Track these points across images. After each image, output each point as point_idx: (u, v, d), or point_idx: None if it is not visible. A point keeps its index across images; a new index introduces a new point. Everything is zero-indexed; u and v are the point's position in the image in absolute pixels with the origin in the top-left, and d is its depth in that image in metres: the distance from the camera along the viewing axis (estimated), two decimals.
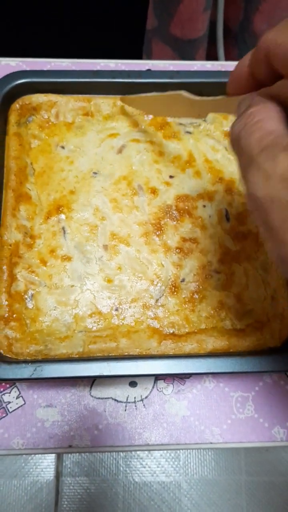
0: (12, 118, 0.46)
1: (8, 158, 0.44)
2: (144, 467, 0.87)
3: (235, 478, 0.87)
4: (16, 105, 0.46)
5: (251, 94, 0.26)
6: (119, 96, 0.47)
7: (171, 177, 0.46)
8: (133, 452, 0.88)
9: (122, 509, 0.84)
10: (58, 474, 0.86)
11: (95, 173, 0.45)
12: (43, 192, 0.44)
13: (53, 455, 0.86)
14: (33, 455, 0.88)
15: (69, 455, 0.87)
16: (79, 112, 0.47)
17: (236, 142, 0.23)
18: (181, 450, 0.89)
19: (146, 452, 0.88)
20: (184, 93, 0.39)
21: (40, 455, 0.88)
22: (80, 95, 0.47)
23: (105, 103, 0.47)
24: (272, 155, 0.19)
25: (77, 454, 0.87)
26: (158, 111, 0.46)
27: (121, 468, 0.86)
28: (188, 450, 0.89)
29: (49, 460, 0.86)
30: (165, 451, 0.90)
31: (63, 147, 0.46)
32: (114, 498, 0.85)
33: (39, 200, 0.44)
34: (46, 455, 0.87)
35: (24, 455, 0.86)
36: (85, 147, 0.46)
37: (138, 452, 0.88)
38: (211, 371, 0.38)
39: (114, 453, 0.88)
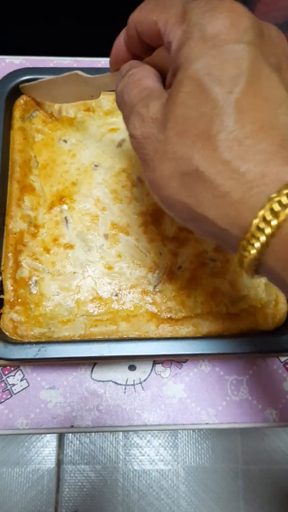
0: (17, 113, 0.48)
1: (13, 151, 0.46)
2: (143, 456, 0.89)
3: (231, 466, 0.89)
4: (20, 101, 0.48)
5: (131, 61, 0.29)
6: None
7: None
8: (132, 441, 0.90)
9: (122, 496, 0.86)
10: (59, 462, 0.88)
11: (96, 165, 0.47)
12: (46, 183, 0.46)
13: (55, 443, 0.88)
14: (35, 444, 0.90)
15: (70, 443, 0.89)
16: (81, 107, 0.49)
17: (120, 98, 0.27)
18: (179, 439, 0.91)
19: (145, 441, 0.90)
20: (79, 72, 0.39)
21: (41, 443, 0.90)
22: None
23: (106, 99, 0.49)
24: (146, 103, 0.24)
25: (78, 442, 0.89)
26: (56, 97, 0.45)
27: (121, 457, 0.88)
28: (186, 439, 0.91)
29: (50, 449, 0.88)
30: (163, 440, 0.92)
31: (65, 141, 0.48)
32: (113, 486, 0.87)
33: (42, 191, 0.46)
34: (47, 443, 0.89)
35: (26, 444, 0.88)
36: (86, 141, 0.48)
37: (137, 441, 0.90)
38: (206, 352, 0.40)
39: (114, 441, 0.90)
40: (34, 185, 0.46)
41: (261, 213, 0.20)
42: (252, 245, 0.21)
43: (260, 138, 0.21)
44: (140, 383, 0.46)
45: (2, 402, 0.44)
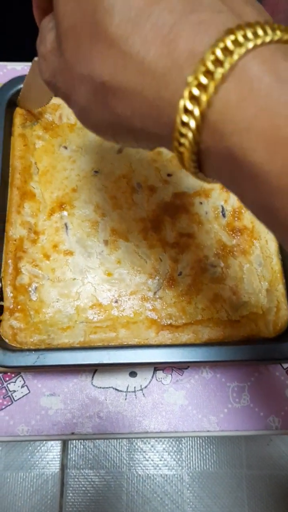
0: (18, 120, 0.48)
1: (14, 158, 0.46)
2: (147, 460, 0.88)
3: (236, 471, 0.88)
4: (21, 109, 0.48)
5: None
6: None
7: (169, 175, 0.47)
8: (136, 446, 0.90)
9: (126, 501, 0.86)
10: (63, 467, 0.88)
11: (96, 171, 0.47)
12: (46, 190, 0.46)
13: (59, 447, 0.88)
14: (39, 448, 0.90)
15: (74, 448, 0.89)
16: None
17: (38, 50, 0.25)
18: (183, 444, 0.90)
19: (149, 445, 0.90)
20: (36, 58, 0.36)
21: (45, 448, 0.90)
22: None
23: None
24: (43, 40, 0.22)
25: (82, 447, 0.89)
26: (42, 97, 0.43)
27: (125, 461, 0.88)
28: (190, 444, 0.91)
29: (54, 453, 0.88)
30: (167, 445, 0.91)
31: (65, 147, 0.48)
32: (117, 491, 0.86)
33: (42, 198, 0.46)
34: (51, 448, 0.89)
35: (30, 448, 0.89)
36: (86, 147, 0.48)
37: (141, 446, 0.90)
38: (207, 359, 0.39)
39: (117, 446, 0.90)
40: (34, 192, 0.46)
41: (181, 104, 0.17)
42: (183, 144, 0.18)
43: (155, 10, 0.17)
44: (141, 389, 0.46)
45: (3, 408, 0.44)
